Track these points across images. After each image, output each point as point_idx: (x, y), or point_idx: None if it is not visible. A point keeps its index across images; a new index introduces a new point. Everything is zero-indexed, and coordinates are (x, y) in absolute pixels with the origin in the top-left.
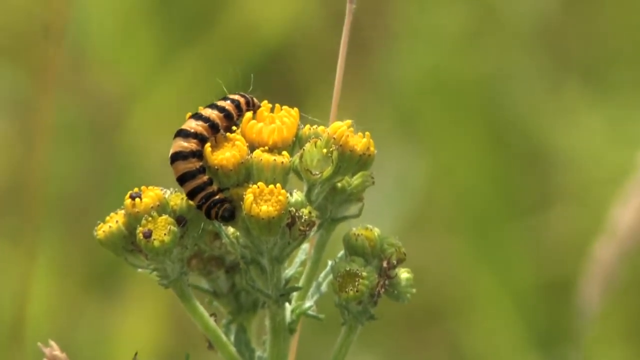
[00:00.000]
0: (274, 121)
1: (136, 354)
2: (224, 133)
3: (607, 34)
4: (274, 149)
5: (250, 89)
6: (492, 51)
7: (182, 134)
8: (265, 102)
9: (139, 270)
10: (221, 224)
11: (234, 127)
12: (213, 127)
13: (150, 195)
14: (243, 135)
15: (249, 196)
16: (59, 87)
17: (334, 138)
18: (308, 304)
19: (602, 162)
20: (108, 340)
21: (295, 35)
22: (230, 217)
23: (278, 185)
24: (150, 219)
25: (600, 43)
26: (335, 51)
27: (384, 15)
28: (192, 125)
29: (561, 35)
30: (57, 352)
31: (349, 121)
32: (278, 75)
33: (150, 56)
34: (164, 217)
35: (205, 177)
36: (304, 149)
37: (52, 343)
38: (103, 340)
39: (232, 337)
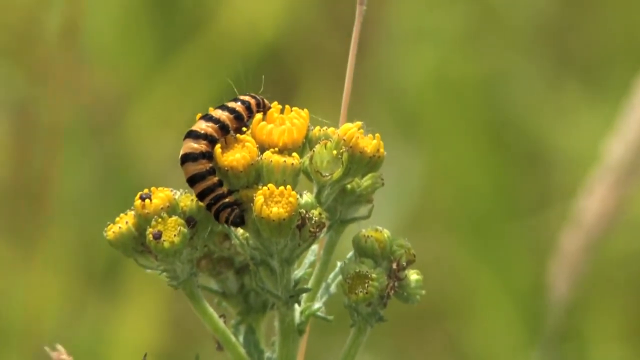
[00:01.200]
0: (284, 122)
1: (145, 354)
2: (234, 134)
3: (607, 34)
4: (284, 151)
5: (261, 90)
6: (492, 51)
7: (192, 135)
8: (275, 103)
9: (148, 271)
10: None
11: (244, 129)
12: (223, 128)
13: (160, 196)
14: (253, 136)
15: (259, 198)
16: (58, 87)
17: (344, 140)
18: (317, 305)
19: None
20: (107, 340)
21: (293, 35)
22: (240, 223)
23: (288, 186)
24: (160, 220)
25: (600, 43)
26: (333, 51)
27: (384, 16)
28: (202, 126)
29: (561, 35)
30: (65, 356)
31: (359, 123)
32: (276, 75)
33: (147, 55)
34: (174, 218)
35: (215, 179)
36: (314, 151)
37: (59, 347)
38: (101, 339)
39: (241, 338)
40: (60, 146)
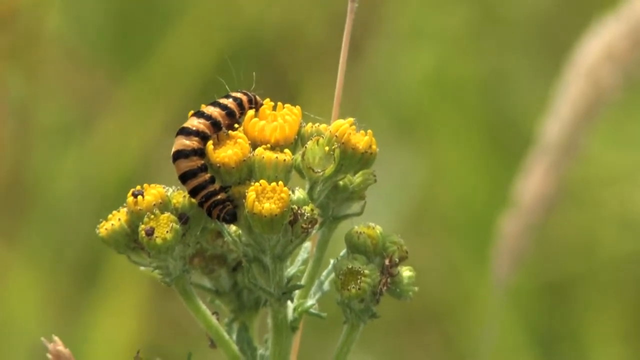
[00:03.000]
0: (276, 119)
1: (139, 351)
2: (226, 131)
3: None
4: (276, 147)
5: (253, 86)
6: (492, 51)
7: (184, 132)
8: (268, 100)
9: (142, 268)
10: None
11: (236, 125)
12: (215, 125)
13: (153, 192)
14: (245, 133)
15: (251, 194)
16: (52, 87)
17: (336, 136)
18: (310, 302)
19: (602, 162)
20: (88, 336)
21: (286, 31)
22: (232, 219)
23: (280, 182)
24: (152, 216)
25: None
26: (326, 48)
27: (382, 15)
28: (194, 123)
29: (561, 35)
30: (61, 347)
31: (351, 119)
32: (268, 72)
33: (131, 48)
34: (166, 214)
35: (207, 176)
36: (306, 147)
37: (56, 338)
38: (83, 336)
39: (234, 336)
40: (51, 144)
